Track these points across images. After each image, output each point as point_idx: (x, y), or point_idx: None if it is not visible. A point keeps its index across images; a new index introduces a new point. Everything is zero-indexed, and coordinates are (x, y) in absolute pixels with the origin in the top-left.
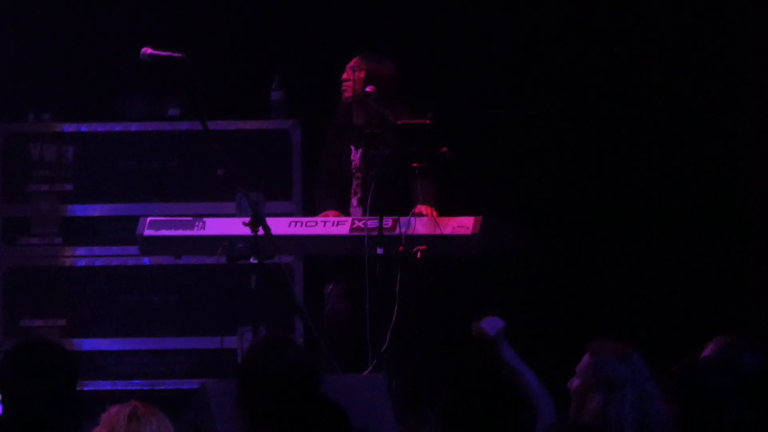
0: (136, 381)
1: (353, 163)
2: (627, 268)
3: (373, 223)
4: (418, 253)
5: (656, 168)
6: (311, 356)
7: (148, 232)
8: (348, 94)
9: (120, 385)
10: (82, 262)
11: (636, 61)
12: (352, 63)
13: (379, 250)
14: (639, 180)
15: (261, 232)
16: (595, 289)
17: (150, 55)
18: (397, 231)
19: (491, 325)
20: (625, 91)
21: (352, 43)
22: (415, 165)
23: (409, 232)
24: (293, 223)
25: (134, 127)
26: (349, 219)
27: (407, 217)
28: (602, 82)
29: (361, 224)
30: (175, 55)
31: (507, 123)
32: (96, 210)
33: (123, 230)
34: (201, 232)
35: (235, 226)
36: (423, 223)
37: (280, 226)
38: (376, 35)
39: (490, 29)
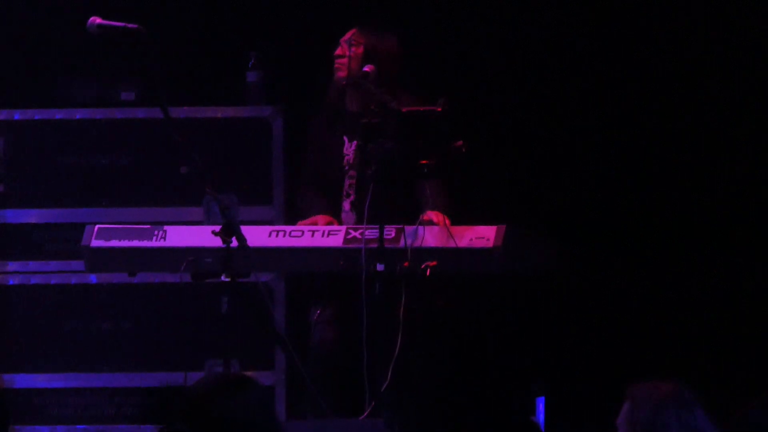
0: (81, 426)
1: (346, 158)
2: (678, 288)
3: (371, 232)
4: (428, 270)
5: (712, 171)
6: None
7: (95, 243)
8: (341, 74)
9: (61, 431)
10: (14, 280)
11: (679, 62)
12: (347, 36)
13: (380, 266)
14: (692, 186)
15: (234, 243)
16: (642, 312)
17: (99, 26)
18: (402, 243)
19: None
20: (673, 88)
21: (346, 13)
22: (423, 162)
23: (417, 244)
24: (274, 233)
25: (79, 114)
26: (343, 228)
27: (414, 226)
28: (648, 77)
29: (357, 234)
30: (130, 26)
31: (534, 112)
32: (31, 216)
33: (65, 241)
34: (161, 244)
35: (202, 236)
36: (433, 233)
37: (257, 236)
38: (374, 3)
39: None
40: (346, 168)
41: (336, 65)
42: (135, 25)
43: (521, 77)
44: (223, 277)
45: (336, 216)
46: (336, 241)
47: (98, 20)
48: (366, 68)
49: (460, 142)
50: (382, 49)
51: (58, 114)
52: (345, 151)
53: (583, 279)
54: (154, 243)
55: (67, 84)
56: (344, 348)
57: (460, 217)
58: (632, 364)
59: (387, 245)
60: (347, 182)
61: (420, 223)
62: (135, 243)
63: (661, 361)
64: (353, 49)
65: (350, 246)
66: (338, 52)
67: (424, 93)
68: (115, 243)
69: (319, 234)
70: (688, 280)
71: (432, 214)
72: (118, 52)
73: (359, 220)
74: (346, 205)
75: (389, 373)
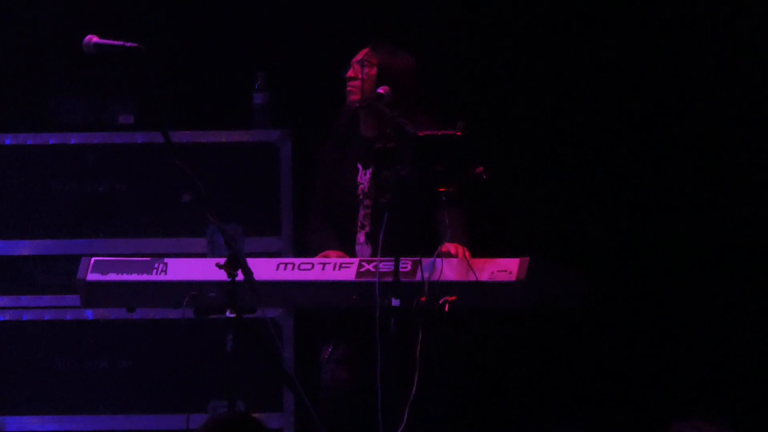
0: None
1: (360, 187)
2: (715, 324)
3: (386, 265)
4: (446, 305)
5: (756, 203)
6: None
7: (92, 277)
8: (354, 96)
9: None
10: (5, 316)
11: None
12: (359, 56)
13: (395, 302)
14: (730, 215)
15: (240, 277)
16: (676, 347)
17: (96, 45)
18: (419, 276)
19: None
20: (710, 104)
21: (358, 31)
22: (441, 190)
23: (434, 277)
24: (282, 266)
25: (74, 138)
26: (356, 260)
27: (431, 258)
28: (683, 103)
29: (371, 267)
30: (129, 45)
31: (561, 136)
32: (24, 247)
33: (59, 274)
34: (161, 277)
35: (205, 269)
36: (452, 265)
37: (264, 269)
38: (387, 22)
39: (539, 17)
40: (361, 197)
41: (348, 88)
42: (134, 44)
43: (546, 99)
44: (227, 313)
45: (350, 249)
46: (348, 274)
47: (95, 39)
48: (380, 90)
49: (481, 169)
50: (397, 70)
51: (52, 138)
52: (359, 179)
53: (612, 314)
54: (154, 277)
55: (61, 106)
56: (357, 389)
57: (481, 248)
58: (667, 403)
59: (403, 279)
60: (362, 213)
61: (438, 255)
62: (134, 276)
63: (696, 399)
64: (366, 70)
65: (363, 279)
66: (350, 74)
67: (442, 116)
68: (112, 276)
69: (330, 267)
70: (726, 315)
71: (451, 246)
72: (116, 73)
73: (375, 253)
74: (361, 237)
75: (405, 416)
